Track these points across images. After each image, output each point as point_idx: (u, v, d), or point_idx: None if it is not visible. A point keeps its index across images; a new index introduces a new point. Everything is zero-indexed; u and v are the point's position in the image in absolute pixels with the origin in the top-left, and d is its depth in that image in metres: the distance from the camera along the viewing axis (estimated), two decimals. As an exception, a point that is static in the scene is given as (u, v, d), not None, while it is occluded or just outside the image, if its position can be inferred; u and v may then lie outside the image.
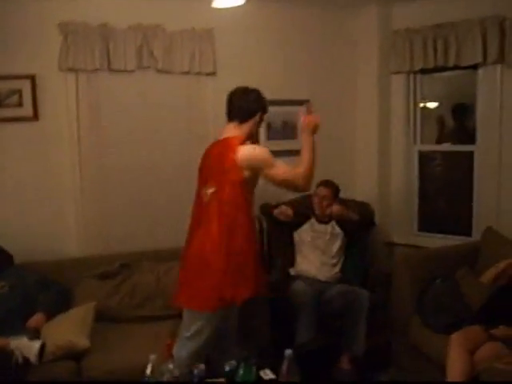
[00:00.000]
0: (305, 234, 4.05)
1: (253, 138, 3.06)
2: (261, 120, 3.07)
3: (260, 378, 2.60)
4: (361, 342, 3.58)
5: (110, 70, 3.90)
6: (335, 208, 3.98)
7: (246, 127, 3.00)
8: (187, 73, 4.10)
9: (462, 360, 2.92)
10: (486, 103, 4.12)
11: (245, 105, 3.01)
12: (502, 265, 3.39)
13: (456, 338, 3.03)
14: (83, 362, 3.07)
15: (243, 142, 2.92)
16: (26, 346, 2.93)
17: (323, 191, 4.03)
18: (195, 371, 2.53)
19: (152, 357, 2.38)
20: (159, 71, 4.04)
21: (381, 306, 3.79)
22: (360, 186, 4.68)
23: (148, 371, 2.35)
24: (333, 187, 4.05)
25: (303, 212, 4.10)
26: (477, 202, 4.26)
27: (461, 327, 3.13)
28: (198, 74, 4.15)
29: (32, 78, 3.76)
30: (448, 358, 2.97)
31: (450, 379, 2.93)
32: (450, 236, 4.43)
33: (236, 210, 2.85)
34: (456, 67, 4.16)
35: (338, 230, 4.03)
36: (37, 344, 2.94)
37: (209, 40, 4.12)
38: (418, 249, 4.32)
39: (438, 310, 3.40)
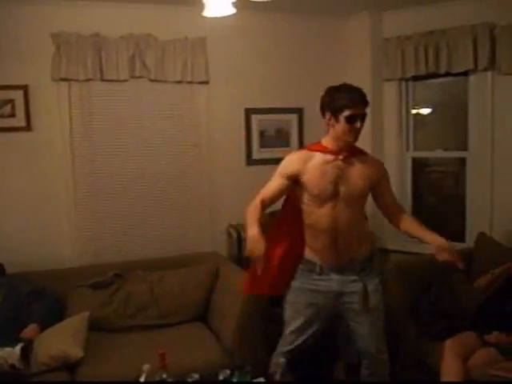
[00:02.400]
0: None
1: (338, 146, 2.70)
2: (336, 121, 2.65)
3: (254, 386, 2.62)
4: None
5: (103, 79, 3.92)
6: None
7: (326, 133, 2.75)
8: (180, 82, 4.12)
9: (457, 366, 2.92)
10: (478, 110, 4.14)
11: (320, 106, 2.77)
12: (497, 271, 3.42)
13: (450, 345, 3.03)
14: (77, 372, 3.05)
15: (303, 148, 2.88)
16: (9, 354, 2.94)
17: None
18: (189, 380, 2.54)
19: (146, 366, 2.37)
20: (152, 80, 4.06)
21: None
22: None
23: (142, 380, 2.34)
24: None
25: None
26: (470, 208, 4.27)
27: (456, 333, 3.14)
28: (191, 83, 4.17)
29: (25, 89, 3.78)
30: (442, 364, 2.98)
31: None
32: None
33: None
34: (447, 74, 4.18)
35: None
36: (17, 348, 2.94)
37: (201, 49, 4.13)
38: (411, 255, 4.32)
39: (433, 316, 3.39)
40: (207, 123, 4.25)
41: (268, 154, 4.46)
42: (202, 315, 3.74)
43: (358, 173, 2.71)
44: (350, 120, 2.60)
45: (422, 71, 4.24)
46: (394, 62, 4.39)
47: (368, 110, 2.76)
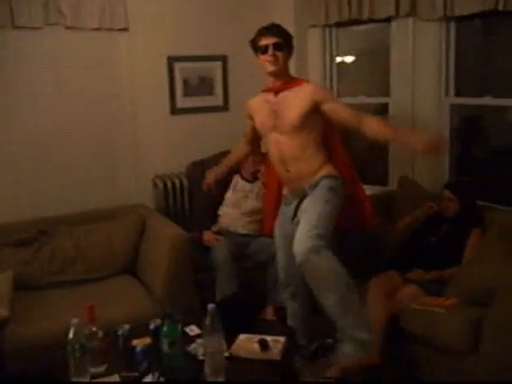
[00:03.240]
0: (228, 193, 4.05)
1: (273, 82, 2.95)
2: (257, 57, 2.92)
3: (186, 333, 2.64)
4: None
5: (15, 27, 3.68)
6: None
7: None
8: (98, 29, 3.95)
9: (381, 302, 3.06)
10: (399, 56, 4.19)
11: None
12: (417, 212, 3.56)
13: (374, 283, 3.18)
14: (3, 332, 2.97)
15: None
16: None
17: None
18: (120, 332, 2.53)
19: (74, 321, 2.34)
20: (68, 28, 3.86)
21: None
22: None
23: (70, 335, 2.31)
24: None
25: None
26: (392, 153, 4.38)
27: (379, 272, 3.27)
28: (110, 30, 4.01)
29: None
30: (368, 300, 3.12)
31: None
32: (367, 186, 4.52)
33: None
34: (370, 20, 4.20)
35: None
36: None
37: (119, -7, 3.96)
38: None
39: (356, 257, 3.51)
40: (129, 72, 4.12)
41: (192, 102, 4.41)
42: (131, 268, 3.72)
43: (289, 104, 2.87)
44: (263, 50, 2.84)
45: (346, 17, 4.23)
46: (318, 7, 4.37)
47: (292, 56, 3.00)
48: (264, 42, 2.83)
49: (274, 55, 2.82)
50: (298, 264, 2.74)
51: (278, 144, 2.94)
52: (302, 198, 2.94)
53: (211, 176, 3.46)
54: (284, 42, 2.86)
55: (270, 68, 2.84)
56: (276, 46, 2.83)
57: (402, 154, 4.22)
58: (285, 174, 3.01)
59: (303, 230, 2.75)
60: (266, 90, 3.00)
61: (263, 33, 2.86)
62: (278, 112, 2.89)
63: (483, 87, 4.15)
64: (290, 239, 2.89)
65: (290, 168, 2.95)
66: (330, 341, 3.35)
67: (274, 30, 2.87)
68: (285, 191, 3.14)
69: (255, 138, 3.28)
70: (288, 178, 3.01)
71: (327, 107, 2.84)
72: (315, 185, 2.91)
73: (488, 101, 3.83)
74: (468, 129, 4.27)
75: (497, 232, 3.18)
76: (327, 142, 3.02)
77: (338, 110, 2.85)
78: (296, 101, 2.85)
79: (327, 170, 2.95)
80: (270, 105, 2.93)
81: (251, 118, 3.14)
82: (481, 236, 3.28)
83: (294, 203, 3.00)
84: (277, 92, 2.92)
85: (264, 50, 2.83)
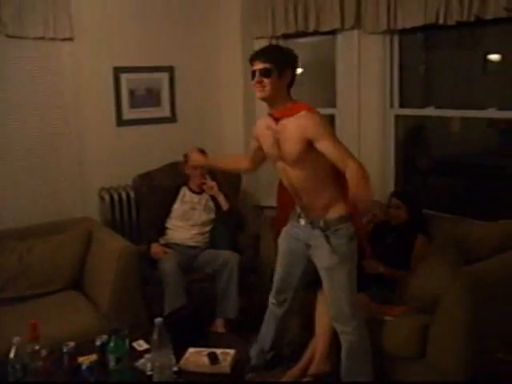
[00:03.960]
0: (176, 205, 4.03)
1: (272, 108, 2.79)
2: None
3: (134, 349, 2.60)
4: (234, 305, 3.65)
5: (-49, 35, 3.58)
6: (209, 184, 3.98)
7: None
8: (41, 38, 3.86)
9: (327, 313, 3.05)
10: (345, 68, 4.26)
11: None
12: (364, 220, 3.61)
13: (322, 294, 3.17)
14: None
15: None
16: None
17: None
18: (65, 349, 2.47)
19: (16, 339, 2.27)
20: (9, 37, 3.75)
21: (252, 268, 3.88)
22: (228, 151, 4.71)
23: (11, 355, 2.23)
24: (204, 153, 4.03)
25: (175, 183, 4.11)
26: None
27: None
28: (54, 39, 3.92)
29: None
30: (316, 312, 3.16)
31: (317, 331, 3.11)
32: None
33: None
34: (316, 33, 4.26)
35: (211, 204, 4.05)
36: None
37: (64, 3, 3.88)
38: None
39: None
40: (73, 83, 4.04)
41: (139, 114, 4.37)
42: (77, 283, 3.63)
43: (288, 135, 2.70)
44: (252, 76, 2.71)
45: (292, 29, 4.29)
46: (265, 19, 4.41)
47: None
48: (253, 67, 2.70)
49: (259, 81, 2.66)
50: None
51: (286, 173, 2.83)
52: (320, 228, 2.81)
53: (201, 158, 3.44)
54: (274, 68, 2.66)
55: (258, 94, 2.70)
56: (263, 72, 2.66)
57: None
58: (299, 202, 2.91)
59: (340, 302, 2.86)
60: (269, 115, 2.84)
61: (251, 58, 2.74)
62: (280, 142, 2.74)
63: (426, 98, 4.27)
64: (293, 256, 3.03)
65: (303, 196, 2.83)
66: (286, 350, 3.36)
67: (260, 54, 2.72)
68: (297, 208, 2.99)
69: (257, 160, 3.13)
70: (302, 206, 2.90)
71: (318, 146, 2.62)
72: (329, 226, 2.79)
73: (431, 111, 3.94)
74: (412, 139, 4.37)
75: (441, 241, 3.25)
76: (337, 171, 2.75)
77: (325, 150, 2.61)
78: (293, 134, 2.67)
79: (340, 207, 2.80)
80: (272, 132, 2.78)
81: (257, 139, 2.98)
82: (426, 242, 3.36)
83: (306, 226, 2.90)
84: (277, 119, 2.76)
85: (252, 76, 2.70)
